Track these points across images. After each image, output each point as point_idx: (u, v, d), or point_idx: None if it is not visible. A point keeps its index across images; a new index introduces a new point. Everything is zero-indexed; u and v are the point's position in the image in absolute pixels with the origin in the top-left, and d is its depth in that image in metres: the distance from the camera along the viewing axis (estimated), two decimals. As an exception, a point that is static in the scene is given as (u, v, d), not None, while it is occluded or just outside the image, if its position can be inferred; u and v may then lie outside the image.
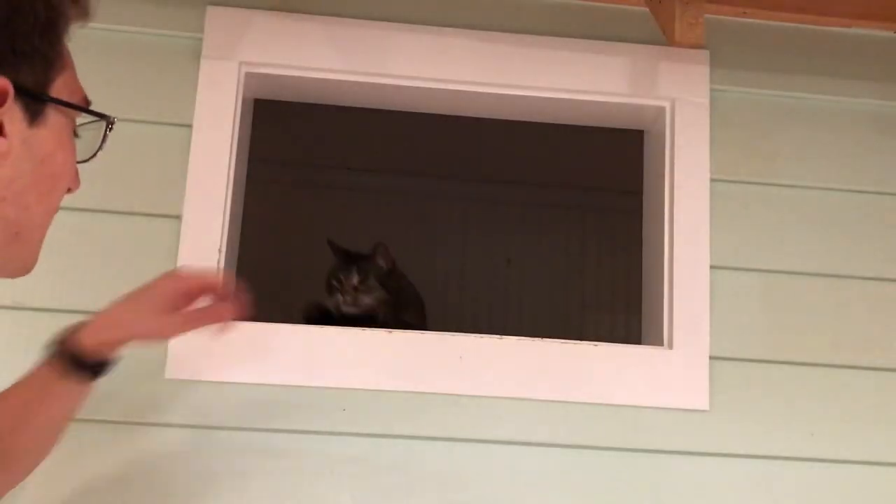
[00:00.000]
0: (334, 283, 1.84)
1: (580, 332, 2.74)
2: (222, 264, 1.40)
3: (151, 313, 1.02)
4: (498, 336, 1.42)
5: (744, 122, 1.54)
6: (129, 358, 1.34)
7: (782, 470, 1.41)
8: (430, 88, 1.51)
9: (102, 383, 1.32)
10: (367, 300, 1.82)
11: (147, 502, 1.30)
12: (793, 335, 1.46)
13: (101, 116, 0.79)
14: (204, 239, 1.39)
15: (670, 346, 1.43)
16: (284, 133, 2.33)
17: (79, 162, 0.80)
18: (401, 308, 1.88)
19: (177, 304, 1.04)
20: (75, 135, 0.79)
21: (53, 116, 0.73)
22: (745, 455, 1.41)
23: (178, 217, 1.39)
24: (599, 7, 1.55)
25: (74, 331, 1.00)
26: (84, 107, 0.77)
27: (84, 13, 0.75)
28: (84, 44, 1.54)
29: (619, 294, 2.80)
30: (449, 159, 2.73)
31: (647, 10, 1.47)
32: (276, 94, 1.58)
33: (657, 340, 1.47)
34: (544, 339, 1.42)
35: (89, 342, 1.00)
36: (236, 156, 1.45)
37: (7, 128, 0.68)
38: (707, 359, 1.42)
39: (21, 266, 0.78)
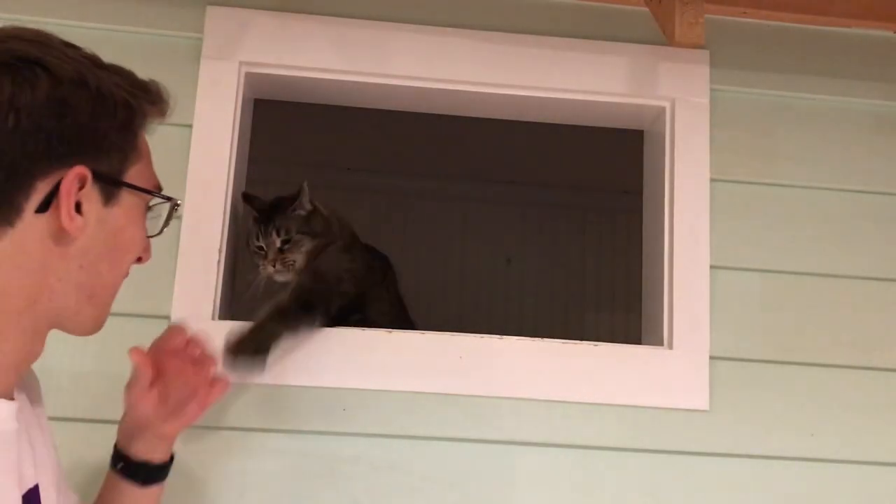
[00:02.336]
0: (258, 249, 1.56)
1: (580, 332, 2.74)
2: (222, 264, 1.40)
3: (147, 401, 1.06)
4: (498, 336, 1.42)
5: (744, 122, 1.54)
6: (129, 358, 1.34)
7: (782, 470, 1.41)
8: (430, 88, 1.51)
9: (103, 384, 1.33)
10: (297, 259, 1.55)
11: (147, 502, 1.30)
12: (793, 335, 1.46)
13: (168, 199, 0.93)
14: (204, 239, 1.39)
15: (670, 346, 1.43)
16: (284, 133, 2.33)
17: (150, 236, 0.93)
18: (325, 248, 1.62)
19: (162, 376, 1.06)
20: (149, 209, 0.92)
21: (126, 198, 0.86)
22: (745, 455, 1.41)
23: (179, 217, 1.39)
24: (599, 7, 1.55)
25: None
26: (153, 191, 0.91)
27: (161, 112, 0.90)
28: (85, 44, 1.54)
29: (619, 294, 2.80)
30: (449, 159, 2.73)
31: (647, 10, 1.47)
32: (276, 94, 1.58)
33: (657, 340, 1.47)
34: (544, 339, 1.42)
35: (121, 443, 1.08)
36: (236, 156, 1.45)
37: (84, 207, 0.81)
38: (707, 359, 1.43)
39: (92, 325, 0.90)
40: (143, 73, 1.44)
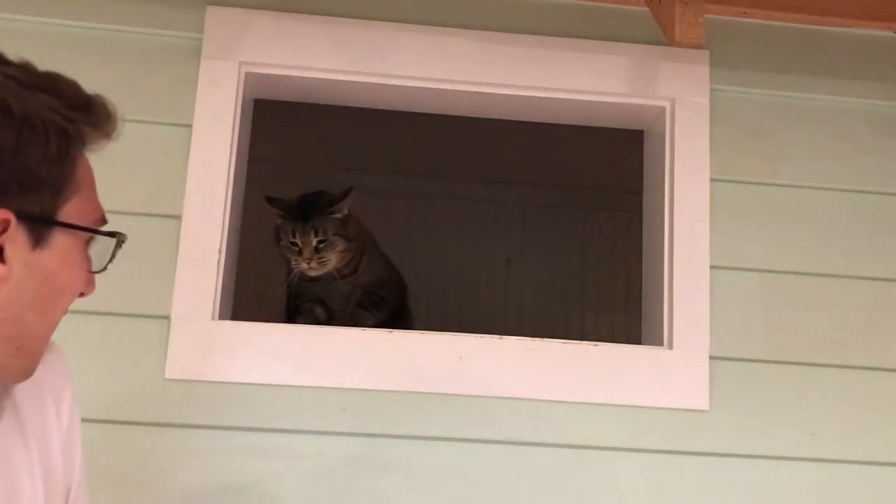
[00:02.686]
0: (291, 245, 1.64)
1: (580, 332, 2.74)
2: (222, 264, 1.40)
3: None
4: (498, 336, 1.42)
5: (744, 122, 1.54)
6: (130, 358, 1.35)
7: (782, 470, 1.41)
8: (430, 88, 1.51)
9: (103, 384, 1.33)
10: (331, 258, 1.65)
11: (147, 502, 1.30)
12: (793, 335, 1.46)
13: (111, 235, 0.80)
14: (204, 239, 1.39)
15: (670, 346, 1.43)
16: (284, 133, 2.33)
17: (94, 272, 0.81)
18: (362, 253, 1.73)
19: None
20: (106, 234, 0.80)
21: (60, 238, 0.74)
22: (745, 455, 1.41)
23: (178, 217, 1.39)
24: (599, 7, 1.55)
25: None
26: (92, 228, 0.78)
27: (106, 134, 0.77)
28: (85, 44, 1.54)
29: (619, 294, 2.80)
30: (449, 159, 2.73)
31: (647, 10, 1.47)
32: (276, 94, 1.58)
33: (657, 340, 1.47)
34: (544, 339, 1.42)
35: None
36: (236, 156, 1.45)
37: (8, 253, 0.70)
38: (707, 359, 1.42)
39: (22, 376, 0.78)
40: (143, 73, 1.45)
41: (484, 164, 2.76)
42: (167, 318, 1.35)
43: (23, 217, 0.70)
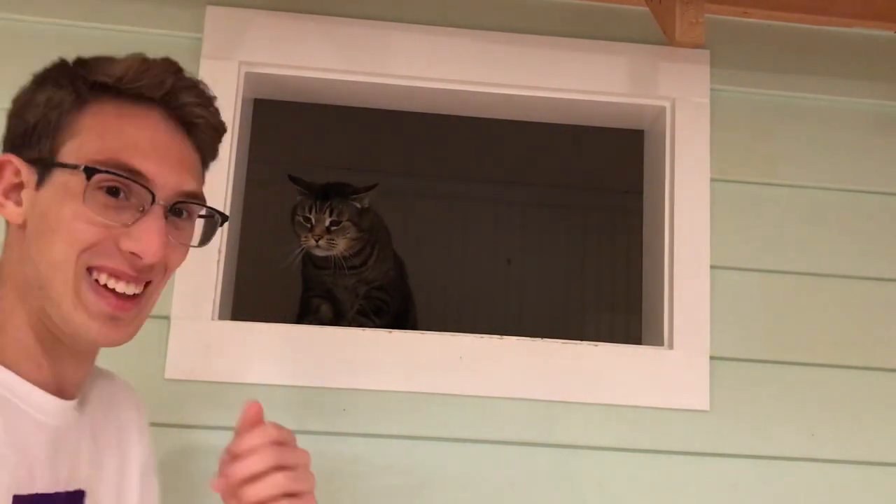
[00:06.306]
0: (303, 221, 1.69)
1: (580, 332, 2.74)
2: (222, 264, 1.40)
3: None
4: (498, 336, 1.42)
5: (744, 122, 1.54)
6: (129, 358, 1.34)
7: (782, 470, 1.41)
8: (430, 88, 1.51)
9: (102, 383, 1.33)
10: (339, 242, 1.68)
11: (147, 502, 1.30)
12: (793, 335, 1.46)
13: (116, 173, 0.79)
14: (204, 239, 1.39)
15: (670, 346, 1.43)
16: (284, 133, 2.33)
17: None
18: (373, 247, 1.77)
19: None
20: (114, 193, 0.79)
21: (59, 177, 0.79)
22: (745, 455, 1.41)
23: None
24: (599, 7, 1.55)
25: None
26: (80, 165, 0.78)
27: (130, 80, 0.82)
28: (85, 44, 1.54)
29: (619, 294, 2.80)
30: (449, 159, 2.73)
31: (648, 10, 1.47)
32: (276, 94, 1.58)
33: (657, 340, 1.47)
34: (544, 339, 1.42)
35: None
36: (236, 156, 1.45)
37: (22, 197, 0.80)
38: (707, 359, 1.42)
39: (82, 328, 0.79)
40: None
41: (484, 164, 2.77)
42: (167, 318, 1.35)
43: (28, 161, 0.80)
